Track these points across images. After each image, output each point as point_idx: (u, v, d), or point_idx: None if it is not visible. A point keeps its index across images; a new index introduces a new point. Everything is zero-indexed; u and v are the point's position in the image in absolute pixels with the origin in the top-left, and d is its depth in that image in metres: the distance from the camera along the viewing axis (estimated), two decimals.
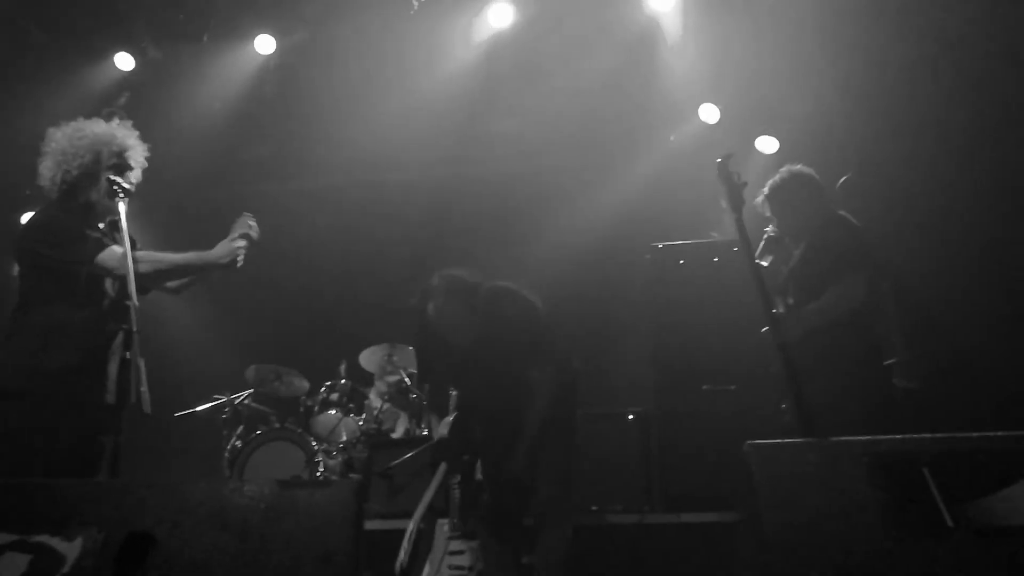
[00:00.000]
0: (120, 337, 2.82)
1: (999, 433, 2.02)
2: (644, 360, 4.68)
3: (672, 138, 6.09)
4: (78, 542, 1.68)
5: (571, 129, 5.97)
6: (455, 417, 3.51)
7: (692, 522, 3.85)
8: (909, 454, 1.95)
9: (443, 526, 3.48)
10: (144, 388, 2.61)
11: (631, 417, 4.27)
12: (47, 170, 2.95)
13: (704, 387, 4.16)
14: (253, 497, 1.86)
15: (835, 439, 2.04)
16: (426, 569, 3.45)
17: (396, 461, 3.97)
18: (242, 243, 3.00)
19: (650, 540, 3.88)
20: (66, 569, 1.63)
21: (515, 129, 5.96)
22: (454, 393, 3.62)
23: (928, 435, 2.01)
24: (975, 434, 2.04)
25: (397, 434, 5.00)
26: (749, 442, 1.97)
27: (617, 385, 5.01)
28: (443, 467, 3.49)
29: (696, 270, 4.40)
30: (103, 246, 2.83)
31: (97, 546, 1.68)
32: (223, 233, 3.24)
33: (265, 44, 5.87)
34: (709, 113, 5.96)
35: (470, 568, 3.39)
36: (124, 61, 5.97)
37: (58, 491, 1.76)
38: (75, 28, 5.88)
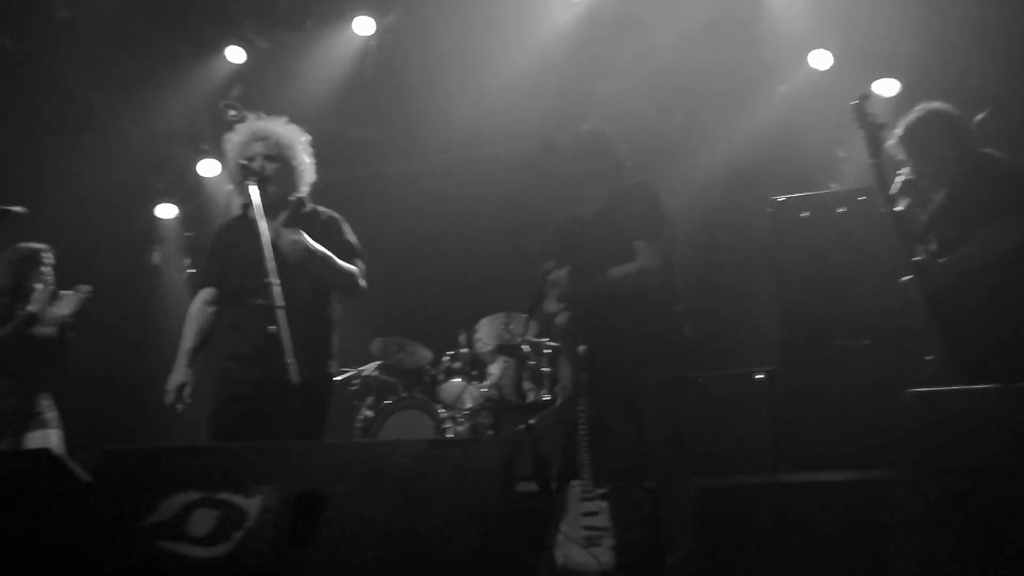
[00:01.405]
0: (263, 313, 2.97)
1: None
2: (768, 318, 4.56)
3: (783, 88, 5.85)
4: (257, 499, 1.78)
5: (675, 86, 5.82)
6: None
7: (829, 480, 3.73)
8: None
9: (575, 488, 3.50)
10: (291, 360, 2.76)
11: (759, 377, 4.15)
12: None
13: (836, 343, 4.01)
14: (408, 456, 1.92)
15: (1007, 384, 1.92)
16: (560, 531, 3.48)
17: (523, 425, 4.01)
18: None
19: (784, 500, 3.78)
20: (250, 523, 1.73)
21: (618, 90, 5.85)
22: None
23: None
24: None
25: (519, 399, 5.07)
26: (911, 390, 1.88)
27: (741, 345, 4.90)
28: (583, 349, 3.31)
29: (821, 222, 4.22)
30: (201, 283, 3.33)
31: (275, 502, 1.77)
32: (336, 212, 3.47)
33: (364, 25, 5.97)
34: (820, 59, 5.69)
35: (605, 529, 3.40)
36: (235, 54, 6.21)
37: (237, 453, 1.87)
38: (185, 25, 6.16)
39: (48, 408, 4.11)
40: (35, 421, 4.01)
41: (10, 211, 3.57)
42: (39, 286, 4.00)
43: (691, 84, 5.85)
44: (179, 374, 3.07)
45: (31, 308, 3.95)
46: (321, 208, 3.47)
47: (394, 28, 6.06)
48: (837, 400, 3.89)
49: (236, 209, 3.49)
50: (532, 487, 3.38)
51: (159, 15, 5.98)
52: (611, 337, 3.14)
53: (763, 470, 3.94)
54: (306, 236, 3.12)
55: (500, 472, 1.91)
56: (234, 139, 3.34)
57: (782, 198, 4.39)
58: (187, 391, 3.04)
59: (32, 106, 5.82)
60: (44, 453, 1.91)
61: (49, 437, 3.98)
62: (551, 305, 3.24)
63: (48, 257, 4.15)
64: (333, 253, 3.26)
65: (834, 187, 4.86)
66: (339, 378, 5.21)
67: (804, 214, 4.28)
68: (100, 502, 1.81)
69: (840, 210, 4.21)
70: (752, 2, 5.41)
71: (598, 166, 3.29)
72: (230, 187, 3.56)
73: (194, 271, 3.44)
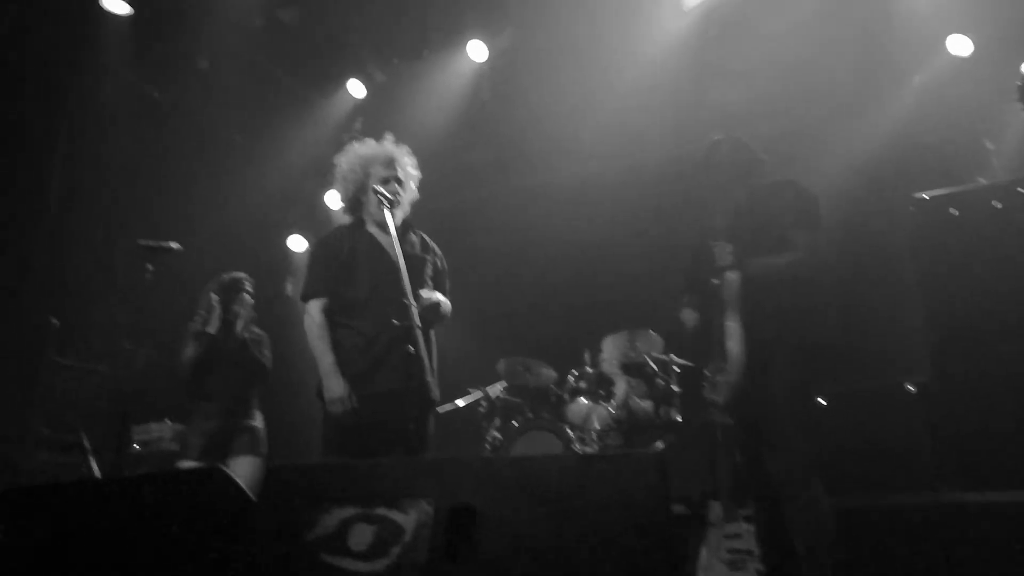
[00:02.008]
0: (400, 332, 3.04)
1: None
2: (914, 325, 4.27)
3: (917, 80, 5.52)
4: (412, 514, 1.80)
5: (798, 86, 5.60)
6: None
7: (999, 501, 3.41)
8: None
9: (715, 508, 3.38)
10: (430, 378, 2.81)
11: (910, 388, 3.88)
12: (337, 189, 3.43)
13: (998, 349, 3.68)
14: (559, 470, 1.89)
15: None
16: (702, 554, 3.35)
17: (658, 444, 3.92)
18: None
19: (948, 521, 3.49)
20: (407, 538, 1.76)
21: (737, 96, 5.68)
22: None
23: None
24: None
25: (647, 418, 4.96)
26: None
27: (885, 355, 4.61)
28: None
29: (973, 218, 3.92)
30: (314, 293, 3.26)
31: (429, 517, 1.79)
32: (458, 235, 3.52)
33: (477, 50, 6.11)
34: (959, 45, 5.34)
35: (749, 552, 3.25)
36: (356, 88, 6.51)
37: (389, 468, 1.91)
38: (310, 65, 6.51)
39: (257, 428, 4.16)
40: (240, 443, 4.06)
41: (168, 247, 3.85)
42: (241, 314, 4.14)
43: (815, 81, 5.61)
44: (338, 384, 3.10)
45: (209, 329, 4.06)
46: (423, 233, 3.54)
47: (506, 50, 6.17)
48: (1003, 411, 3.57)
49: (344, 219, 3.50)
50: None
51: (287, 57, 6.38)
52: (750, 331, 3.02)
53: (923, 488, 3.67)
54: (436, 295, 3.28)
55: (655, 487, 1.85)
56: (362, 153, 3.37)
57: (925, 195, 4.11)
58: (353, 397, 3.09)
59: (179, 149, 6.30)
60: (216, 471, 2.01)
61: (253, 464, 4.00)
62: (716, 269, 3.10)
63: (247, 284, 4.29)
64: (439, 285, 3.40)
65: (982, 181, 4.52)
66: (466, 400, 5.31)
67: (953, 211, 3.99)
68: (267, 517, 1.88)
69: (996, 204, 3.90)
70: None
71: (733, 173, 3.25)
72: (339, 193, 3.45)
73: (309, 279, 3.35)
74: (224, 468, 1.97)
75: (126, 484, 2.32)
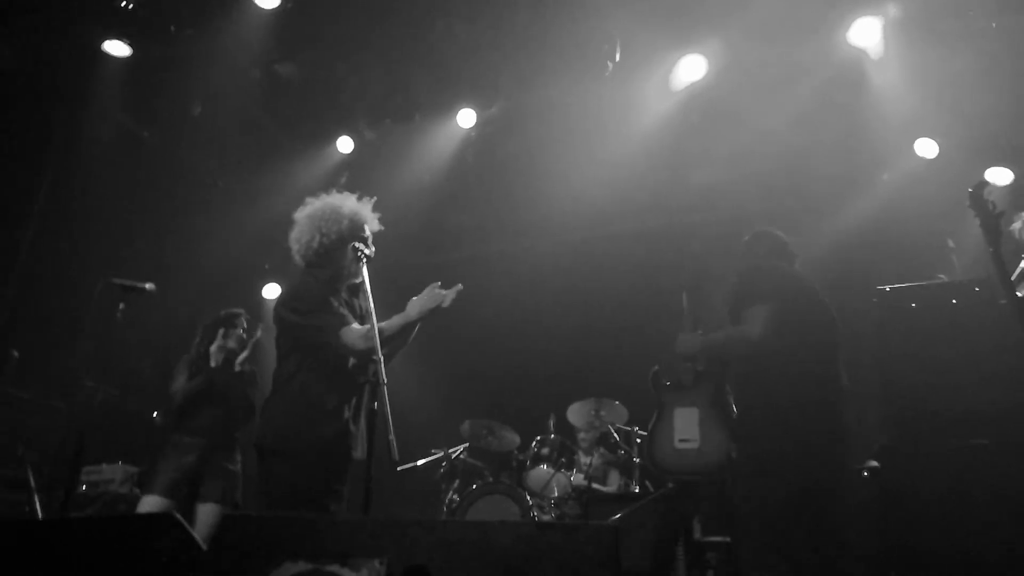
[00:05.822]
0: (367, 389, 3.04)
1: None
2: (871, 415, 4.35)
3: (885, 177, 5.76)
4: (363, 572, 1.79)
5: (774, 176, 5.81)
6: None
7: None
8: None
9: None
10: (392, 437, 2.79)
11: (865, 474, 3.93)
12: (302, 234, 3.26)
13: (950, 442, 3.76)
14: (514, 536, 1.90)
15: None
16: None
17: (614, 516, 3.90)
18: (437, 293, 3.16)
19: None
20: None
21: (715, 178, 5.88)
22: None
23: None
24: None
25: (608, 490, 4.94)
26: None
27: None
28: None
29: (932, 314, 4.04)
30: (345, 322, 3.07)
31: None
32: None
33: (466, 117, 6.26)
34: (926, 148, 5.61)
35: None
36: (345, 144, 6.61)
37: (342, 526, 1.90)
38: (302, 118, 6.61)
39: (235, 472, 4.01)
40: (212, 487, 3.90)
41: (142, 288, 3.83)
42: (214, 348, 4.09)
43: (790, 173, 5.82)
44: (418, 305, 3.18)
45: (212, 362, 4.05)
46: None
47: (495, 119, 6.33)
48: (954, 503, 3.62)
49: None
50: None
51: (279, 110, 6.47)
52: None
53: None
54: None
55: (608, 559, 1.87)
56: (349, 207, 3.29)
57: (887, 288, 4.25)
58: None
59: (162, 191, 6.31)
60: (167, 518, 1.98)
61: (219, 513, 3.77)
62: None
63: (243, 321, 4.29)
64: None
65: (942, 278, 4.69)
66: (426, 460, 5.27)
67: (912, 305, 4.11)
68: (216, 568, 1.86)
69: (953, 301, 4.03)
70: (853, 92, 5.40)
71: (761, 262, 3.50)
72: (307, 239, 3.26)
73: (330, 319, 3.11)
74: (175, 514, 1.93)
75: (73, 526, 2.27)
